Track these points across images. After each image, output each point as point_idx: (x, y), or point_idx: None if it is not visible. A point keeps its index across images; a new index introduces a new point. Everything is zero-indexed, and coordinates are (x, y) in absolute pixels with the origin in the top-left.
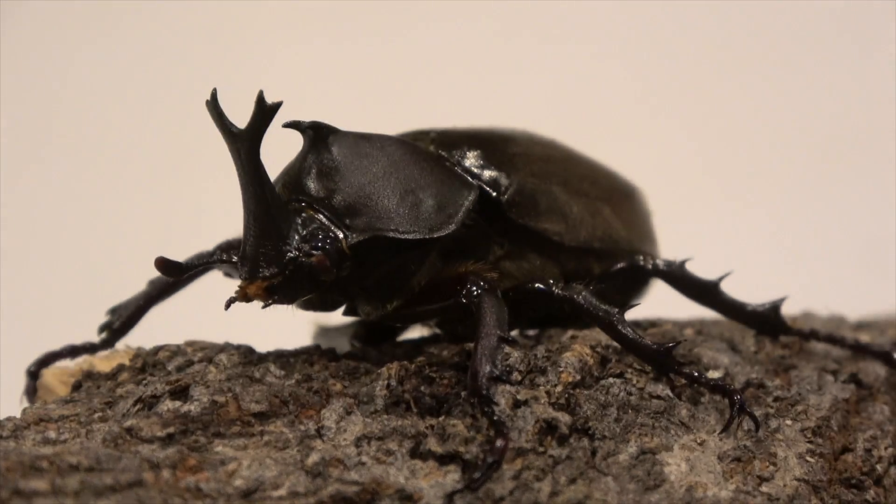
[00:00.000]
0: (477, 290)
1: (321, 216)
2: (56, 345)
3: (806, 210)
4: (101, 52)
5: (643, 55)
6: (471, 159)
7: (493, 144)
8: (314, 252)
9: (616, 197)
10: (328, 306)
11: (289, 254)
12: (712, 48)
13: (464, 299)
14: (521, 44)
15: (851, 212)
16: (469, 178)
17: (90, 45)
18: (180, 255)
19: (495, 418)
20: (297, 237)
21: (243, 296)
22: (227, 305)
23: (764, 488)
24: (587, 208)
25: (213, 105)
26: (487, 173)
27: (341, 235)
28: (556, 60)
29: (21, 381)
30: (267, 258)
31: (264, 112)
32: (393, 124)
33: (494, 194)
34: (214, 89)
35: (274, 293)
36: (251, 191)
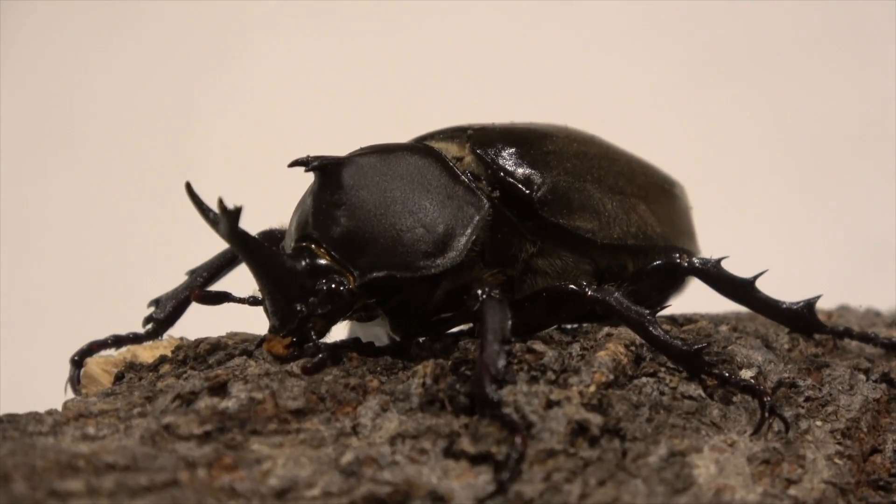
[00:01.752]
0: (480, 298)
1: (328, 257)
2: (100, 334)
3: (827, 207)
4: (102, 51)
5: (669, 56)
6: (505, 157)
7: (530, 142)
8: (319, 310)
9: (653, 193)
10: (361, 321)
11: (299, 314)
12: (724, 50)
13: (469, 308)
14: (567, 38)
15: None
16: (502, 174)
17: (90, 44)
18: (199, 250)
19: (506, 419)
20: (303, 289)
21: (270, 354)
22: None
23: (791, 491)
24: (622, 205)
25: (191, 194)
26: (520, 171)
27: (348, 278)
28: (596, 54)
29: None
30: (282, 318)
31: (230, 215)
32: (409, 121)
33: (527, 192)
34: (188, 182)
35: (296, 346)
36: (247, 260)
